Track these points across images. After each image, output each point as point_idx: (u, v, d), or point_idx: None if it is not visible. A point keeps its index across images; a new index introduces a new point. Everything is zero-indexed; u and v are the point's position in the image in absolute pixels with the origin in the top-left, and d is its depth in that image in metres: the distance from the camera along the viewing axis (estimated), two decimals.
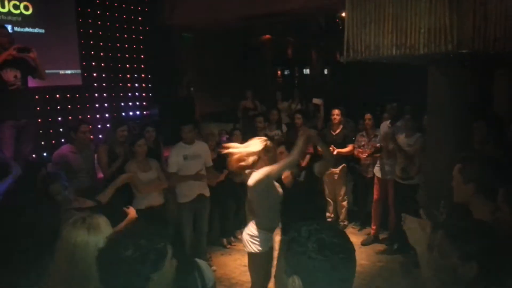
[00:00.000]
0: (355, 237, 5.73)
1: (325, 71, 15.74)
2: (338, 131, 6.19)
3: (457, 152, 2.92)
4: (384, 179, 5.56)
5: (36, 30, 6.97)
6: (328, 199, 6.40)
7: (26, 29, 6.78)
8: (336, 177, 6.16)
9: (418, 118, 5.30)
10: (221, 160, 5.58)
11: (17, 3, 6.70)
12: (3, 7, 6.53)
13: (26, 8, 6.82)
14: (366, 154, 5.79)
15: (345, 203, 6.24)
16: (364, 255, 5.28)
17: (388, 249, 5.45)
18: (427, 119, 3.87)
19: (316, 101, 7.14)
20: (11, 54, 4.73)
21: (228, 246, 5.77)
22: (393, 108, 5.65)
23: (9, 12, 6.62)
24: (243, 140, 5.91)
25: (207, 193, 5.06)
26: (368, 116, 6.07)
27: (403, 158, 5.10)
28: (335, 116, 6.17)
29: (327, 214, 6.45)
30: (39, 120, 6.77)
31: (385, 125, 5.80)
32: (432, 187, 3.55)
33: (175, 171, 4.81)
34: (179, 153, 4.84)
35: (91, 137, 5.19)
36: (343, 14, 9.36)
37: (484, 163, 2.32)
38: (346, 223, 6.28)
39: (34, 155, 5.78)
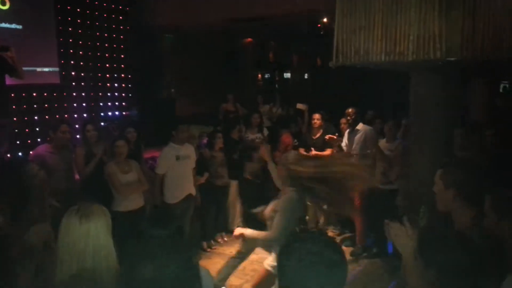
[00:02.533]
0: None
1: (306, 76, 15.84)
2: (318, 135, 6.25)
3: (438, 158, 2.97)
4: None
5: (13, 26, 6.79)
6: (308, 203, 6.40)
7: (3, 25, 6.61)
8: None
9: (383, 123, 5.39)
10: (202, 163, 5.57)
11: None
12: None
13: (3, 3, 6.64)
14: None
15: (325, 207, 6.26)
16: None
17: (368, 253, 5.49)
18: (410, 124, 3.93)
19: (300, 106, 7.18)
20: None
21: (208, 249, 5.72)
22: (349, 114, 5.65)
23: None
24: (224, 142, 5.94)
25: (194, 192, 5.06)
26: (343, 120, 6.10)
27: (383, 163, 5.16)
28: (315, 121, 6.23)
29: (307, 217, 6.47)
30: (15, 119, 6.59)
31: (346, 133, 5.82)
32: (412, 192, 3.60)
33: (163, 172, 4.78)
34: (171, 154, 4.82)
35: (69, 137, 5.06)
36: (325, 20, 9.51)
37: (464, 169, 2.36)
38: (325, 227, 6.30)
39: (8, 155, 5.61)
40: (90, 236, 1.92)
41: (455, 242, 1.62)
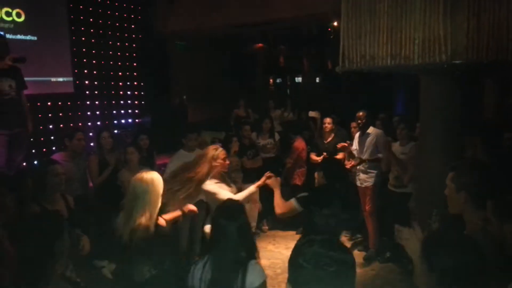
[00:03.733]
0: (347, 245, 5.71)
1: (317, 79, 15.80)
2: (329, 139, 6.23)
3: (448, 161, 2.94)
4: (361, 187, 5.58)
5: (29, 37, 6.94)
6: None
7: (18, 36, 6.76)
8: None
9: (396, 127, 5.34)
10: None
11: (10, 10, 6.68)
12: None
13: (18, 15, 6.80)
14: (351, 165, 5.71)
15: None
16: (356, 263, 5.28)
17: (380, 257, 5.45)
18: (419, 127, 3.91)
19: (313, 114, 7.15)
20: (7, 64, 4.74)
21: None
22: (360, 117, 5.59)
23: (1, 19, 6.60)
24: (239, 147, 5.96)
25: (204, 197, 5.08)
26: (354, 124, 6.06)
27: (397, 167, 5.11)
28: (327, 125, 6.21)
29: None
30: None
31: (356, 136, 5.77)
32: (424, 195, 3.57)
33: None
34: (180, 161, 4.84)
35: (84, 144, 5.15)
36: (335, 23, 9.51)
37: (475, 171, 2.34)
38: None
39: (24, 163, 5.72)
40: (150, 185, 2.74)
41: (458, 246, 1.61)
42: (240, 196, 3.86)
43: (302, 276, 1.35)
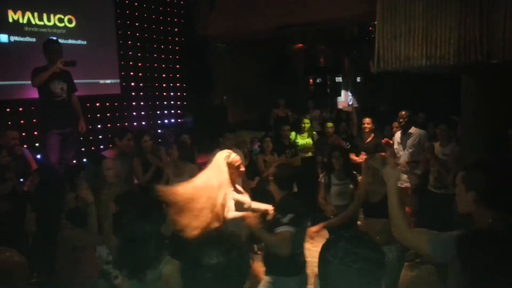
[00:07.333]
0: None
1: (358, 79, 15.61)
2: (369, 139, 6.18)
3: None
4: (401, 187, 5.48)
5: (79, 41, 7.31)
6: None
7: (70, 41, 7.14)
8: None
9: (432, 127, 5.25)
10: (253, 168, 5.71)
11: (62, 16, 7.07)
12: (49, 20, 6.92)
13: (70, 21, 7.19)
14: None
15: None
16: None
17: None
18: (460, 127, 3.85)
19: (346, 108, 7.13)
20: (59, 67, 5.05)
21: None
22: (402, 117, 5.52)
23: (55, 25, 7.00)
24: (274, 147, 6.04)
25: None
26: (395, 124, 6.00)
27: (438, 168, 5.02)
28: (366, 125, 6.17)
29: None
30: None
31: (397, 135, 5.68)
32: None
33: None
34: None
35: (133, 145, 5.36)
36: (376, 23, 9.39)
37: (489, 171, 2.24)
38: None
39: (74, 161, 6.04)
40: None
41: (489, 245, 1.61)
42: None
43: (329, 272, 1.36)
